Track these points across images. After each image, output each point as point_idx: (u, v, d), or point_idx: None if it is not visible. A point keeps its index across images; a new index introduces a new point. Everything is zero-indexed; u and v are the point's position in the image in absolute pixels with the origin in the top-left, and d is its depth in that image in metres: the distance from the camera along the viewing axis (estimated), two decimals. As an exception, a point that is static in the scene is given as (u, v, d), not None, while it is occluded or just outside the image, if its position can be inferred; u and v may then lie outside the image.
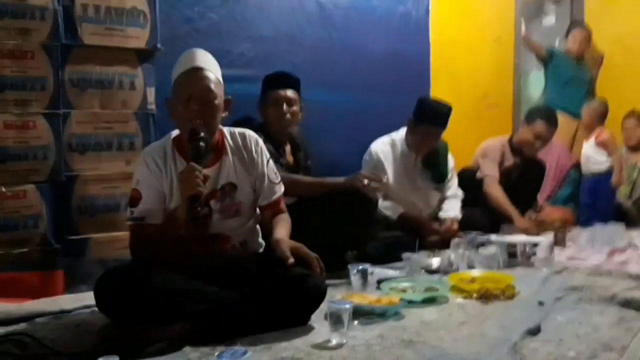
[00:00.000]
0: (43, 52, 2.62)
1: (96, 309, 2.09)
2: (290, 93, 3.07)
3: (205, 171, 2.05)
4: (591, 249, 3.48)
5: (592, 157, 5.04)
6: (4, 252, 2.54)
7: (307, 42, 3.88)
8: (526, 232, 3.72)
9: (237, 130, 2.33)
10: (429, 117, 3.58)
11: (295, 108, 3.07)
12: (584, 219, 4.54)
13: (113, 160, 2.86)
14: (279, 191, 2.39)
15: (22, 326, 2.22)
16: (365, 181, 2.89)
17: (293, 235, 2.36)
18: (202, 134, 2.07)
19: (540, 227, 3.89)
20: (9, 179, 2.56)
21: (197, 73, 2.14)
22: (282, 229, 2.30)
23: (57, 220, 2.70)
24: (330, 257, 2.95)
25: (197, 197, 1.97)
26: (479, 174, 4.08)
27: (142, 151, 2.26)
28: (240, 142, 2.29)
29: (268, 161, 2.35)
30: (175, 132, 2.23)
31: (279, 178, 2.40)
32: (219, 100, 2.17)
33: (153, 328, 1.96)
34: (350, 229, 2.94)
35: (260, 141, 2.36)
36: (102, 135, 2.83)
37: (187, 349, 1.90)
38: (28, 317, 2.31)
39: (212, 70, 2.18)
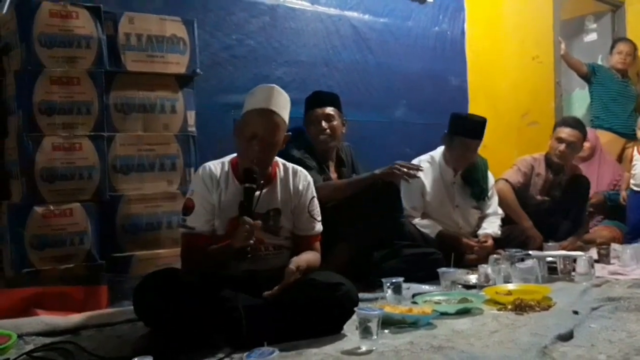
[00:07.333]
0: (88, 78, 2.76)
1: (139, 322, 2.18)
2: (328, 109, 3.16)
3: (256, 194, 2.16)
4: (635, 264, 3.39)
5: None
6: (51, 267, 2.64)
7: (343, 65, 3.99)
8: (533, 239, 3.82)
9: (291, 165, 2.44)
10: (464, 129, 3.60)
11: (335, 123, 3.16)
12: (633, 237, 4.41)
13: (155, 181, 2.96)
14: (316, 228, 2.43)
15: (67, 338, 2.29)
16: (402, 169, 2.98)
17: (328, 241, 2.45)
18: (255, 181, 2.15)
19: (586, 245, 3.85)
20: (56, 198, 2.68)
21: (267, 115, 2.24)
22: (305, 254, 2.33)
23: (102, 237, 2.80)
24: (360, 257, 3.02)
25: (244, 248, 2.07)
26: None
27: (202, 165, 2.37)
28: (290, 175, 2.40)
29: (312, 198, 2.43)
30: (235, 155, 2.36)
31: (320, 218, 2.45)
32: (280, 140, 2.29)
33: (189, 335, 2.03)
34: (376, 220, 3.00)
35: (310, 180, 2.45)
36: (145, 157, 2.94)
37: (221, 355, 1.95)
38: (73, 330, 2.39)
39: (282, 112, 2.28)
